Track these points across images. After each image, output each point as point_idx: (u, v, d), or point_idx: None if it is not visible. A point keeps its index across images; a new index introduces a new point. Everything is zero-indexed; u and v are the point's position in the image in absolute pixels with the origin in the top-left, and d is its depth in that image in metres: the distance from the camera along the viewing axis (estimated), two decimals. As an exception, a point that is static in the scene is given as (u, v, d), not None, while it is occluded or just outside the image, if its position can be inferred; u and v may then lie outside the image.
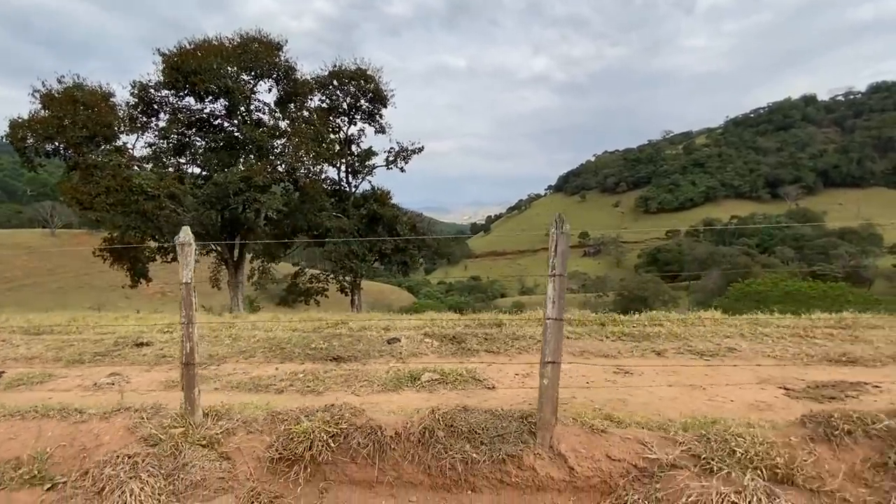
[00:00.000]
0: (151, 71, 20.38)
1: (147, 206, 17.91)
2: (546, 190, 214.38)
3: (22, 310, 12.94)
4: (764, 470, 2.09)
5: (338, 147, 29.15)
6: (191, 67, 18.37)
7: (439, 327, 6.14)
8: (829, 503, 2.00)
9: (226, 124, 23.79)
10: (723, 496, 1.88)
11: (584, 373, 4.47)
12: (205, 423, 2.55)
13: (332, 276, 29.40)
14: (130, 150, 21.42)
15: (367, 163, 30.19)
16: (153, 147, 22.43)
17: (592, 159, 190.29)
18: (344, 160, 29.57)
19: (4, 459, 2.53)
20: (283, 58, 23.49)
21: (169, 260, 23.77)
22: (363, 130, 29.57)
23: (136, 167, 18.74)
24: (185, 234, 2.58)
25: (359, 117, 29.05)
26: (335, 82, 26.96)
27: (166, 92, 20.58)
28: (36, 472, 2.41)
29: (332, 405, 2.61)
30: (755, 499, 1.88)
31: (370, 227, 28.72)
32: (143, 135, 21.88)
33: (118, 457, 2.22)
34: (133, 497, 2.01)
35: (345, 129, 29.22)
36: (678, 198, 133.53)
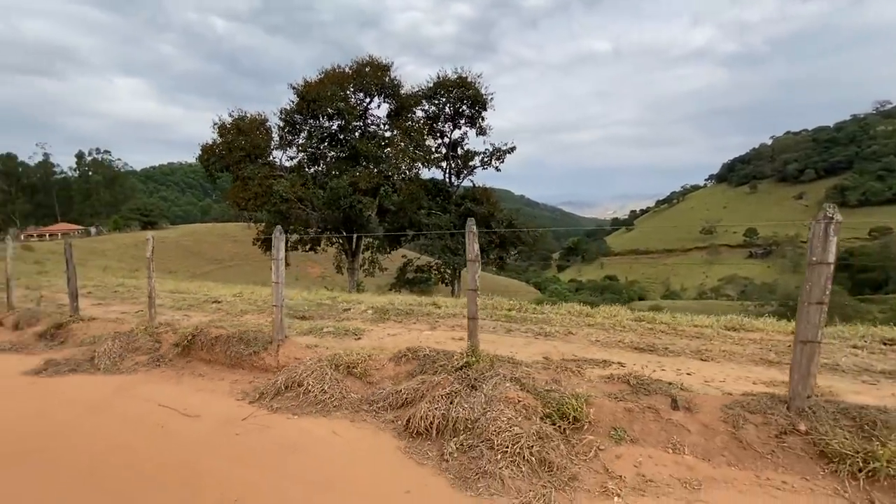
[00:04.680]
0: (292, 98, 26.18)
1: (282, 207, 23.42)
2: (706, 180, 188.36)
3: (223, 283, 18.50)
4: (353, 369, 3.77)
5: (444, 150, 32.27)
6: (311, 97, 23.17)
7: (391, 305, 8.12)
8: (370, 385, 3.61)
9: (348, 138, 28.73)
10: (305, 375, 3.66)
11: (433, 333, 6.05)
12: (157, 327, 5.21)
13: (433, 268, 32.66)
14: (279, 163, 27.80)
15: (469, 163, 32.59)
16: (295, 159, 28.59)
17: (768, 142, 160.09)
18: (448, 163, 32.50)
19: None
20: (390, 76, 27.28)
21: (307, 249, 29.86)
22: (466, 134, 32.13)
23: (276, 177, 24.42)
24: (149, 243, 5.24)
25: (462, 122, 31.61)
26: (440, 91, 29.89)
27: (301, 116, 26.19)
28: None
29: (207, 322, 5.01)
30: (321, 374, 3.62)
31: (465, 224, 31.02)
32: (288, 150, 28.16)
33: (112, 334, 4.99)
34: (107, 348, 4.72)
35: (449, 134, 32.13)
36: (892, 187, 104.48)
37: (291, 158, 27.69)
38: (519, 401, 2.75)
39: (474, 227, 3.31)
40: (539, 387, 3.09)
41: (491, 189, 33.30)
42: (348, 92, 25.91)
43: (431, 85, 29.69)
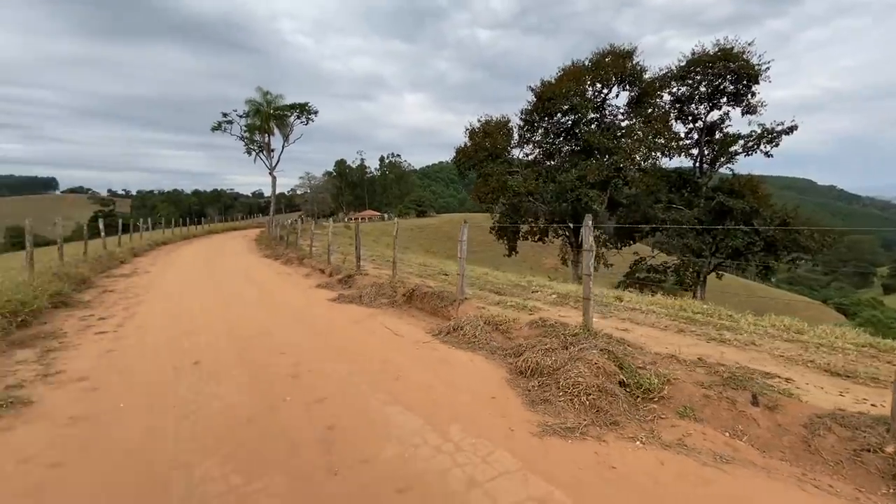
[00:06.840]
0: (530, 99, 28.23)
1: (514, 200, 25.85)
2: None
3: (471, 265, 22.92)
4: (499, 326, 4.98)
5: (695, 136, 28.75)
6: (546, 96, 24.54)
7: (573, 293, 8.76)
8: (508, 339, 4.75)
9: (582, 131, 28.92)
10: (465, 324, 5.07)
11: (600, 321, 6.55)
12: (396, 283, 7.62)
13: (671, 268, 29.47)
14: (516, 160, 30.47)
15: (729, 149, 28.13)
16: (531, 155, 30.68)
17: None
18: (700, 149, 28.80)
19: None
20: (632, 63, 26.00)
21: (536, 239, 31.80)
22: (727, 114, 27.78)
23: (512, 173, 27.02)
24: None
25: (724, 101, 27.49)
26: (693, 69, 26.75)
27: (538, 115, 27.90)
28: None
29: (419, 284, 7.07)
30: (475, 325, 4.97)
31: (718, 221, 26.88)
32: (525, 147, 30.50)
33: (372, 283, 7.65)
34: (368, 292, 7.33)
35: (704, 116, 28.34)
36: None
37: (527, 155, 29.94)
38: (596, 363, 3.38)
39: (590, 222, 3.94)
40: (632, 363, 3.58)
41: (762, 178, 27.47)
42: (585, 85, 26.10)
43: (683, 63, 26.74)
